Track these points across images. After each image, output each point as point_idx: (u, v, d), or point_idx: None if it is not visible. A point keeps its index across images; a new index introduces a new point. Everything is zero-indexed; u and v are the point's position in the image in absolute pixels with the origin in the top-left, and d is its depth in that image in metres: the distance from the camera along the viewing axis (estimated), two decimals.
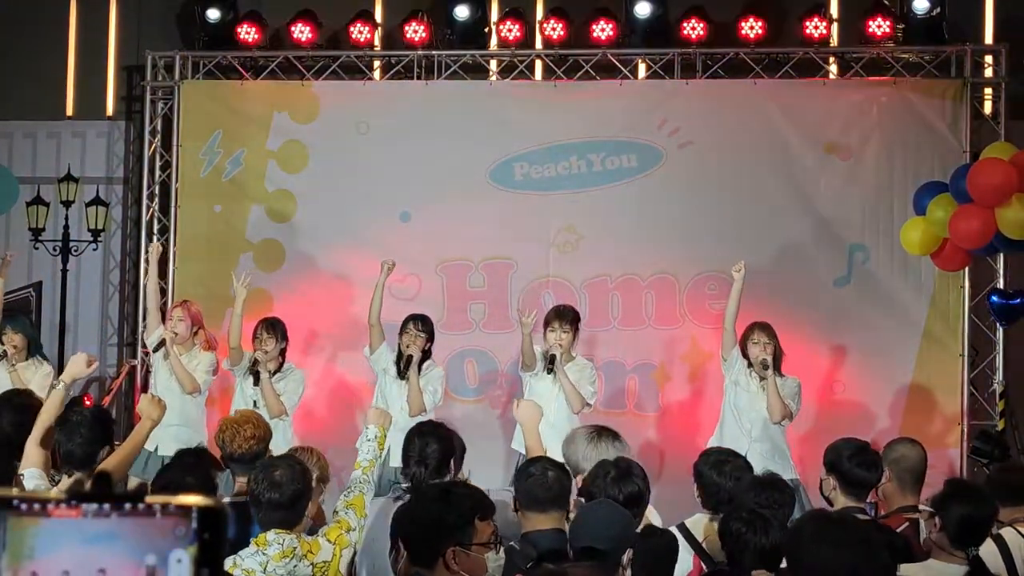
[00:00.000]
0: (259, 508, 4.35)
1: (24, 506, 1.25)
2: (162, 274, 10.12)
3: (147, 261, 9.09)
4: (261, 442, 5.01)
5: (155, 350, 7.99)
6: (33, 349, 8.10)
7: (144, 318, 9.26)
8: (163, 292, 10.05)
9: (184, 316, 8.09)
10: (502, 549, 3.70)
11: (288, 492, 4.33)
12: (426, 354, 8.12)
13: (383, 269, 8.42)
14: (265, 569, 4.26)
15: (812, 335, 9.24)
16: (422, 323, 8.15)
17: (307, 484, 4.47)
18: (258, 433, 4.99)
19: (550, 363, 7.88)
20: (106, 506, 1.25)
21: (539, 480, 4.39)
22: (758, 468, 7.01)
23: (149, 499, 1.25)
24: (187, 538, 1.25)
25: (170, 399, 7.89)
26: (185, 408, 7.98)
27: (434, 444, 5.19)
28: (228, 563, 4.07)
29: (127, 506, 1.25)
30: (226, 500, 4.58)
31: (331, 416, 9.68)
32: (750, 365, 7.82)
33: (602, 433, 5.32)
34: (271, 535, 4.33)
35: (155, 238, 10.14)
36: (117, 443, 5.18)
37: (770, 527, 4.00)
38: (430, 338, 8.14)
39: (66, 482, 4.85)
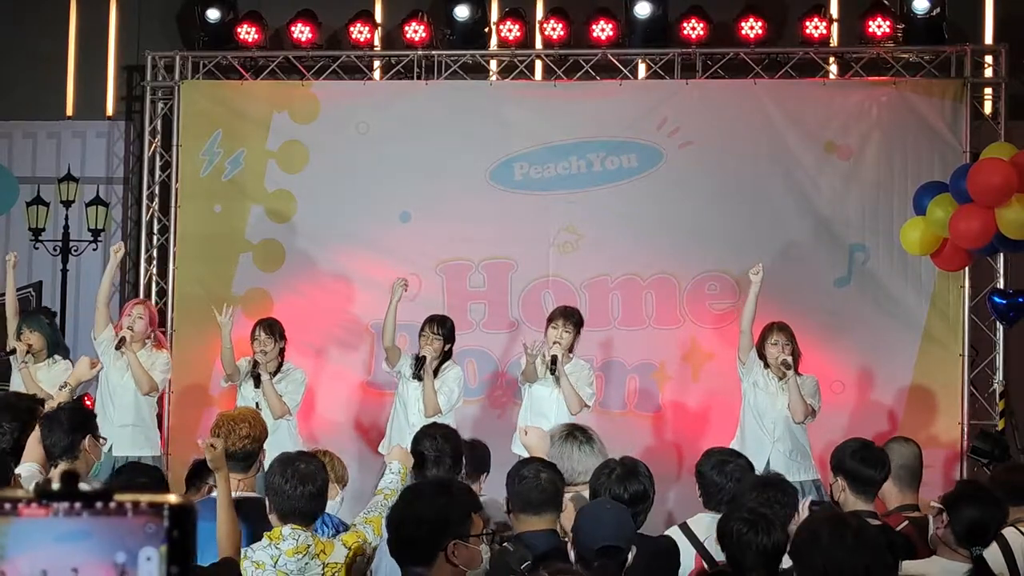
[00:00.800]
0: (284, 501, 4.38)
1: None
2: (162, 274, 10.14)
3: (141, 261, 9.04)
4: (256, 442, 5.02)
5: (117, 347, 7.89)
6: (52, 348, 8.05)
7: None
8: (163, 292, 10.07)
9: (144, 314, 8.04)
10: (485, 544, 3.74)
11: (319, 482, 4.44)
12: (446, 355, 8.09)
13: (395, 291, 8.30)
14: (276, 563, 4.27)
15: (812, 335, 9.20)
16: (439, 325, 8.10)
17: (326, 479, 4.54)
18: (253, 433, 5.00)
19: (552, 363, 7.86)
20: (76, 505, 1.24)
21: (532, 482, 4.39)
22: (780, 468, 7.03)
23: (119, 497, 1.24)
24: (157, 536, 1.24)
25: (124, 398, 7.89)
26: (139, 408, 7.94)
27: (444, 444, 5.26)
28: None
29: (98, 504, 1.24)
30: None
31: (330, 416, 9.67)
32: (766, 366, 7.80)
33: (573, 432, 5.33)
34: (286, 530, 4.35)
35: (155, 238, 10.15)
36: (103, 438, 5.23)
37: (773, 527, 4.00)
38: (448, 340, 8.10)
39: (55, 473, 4.89)
